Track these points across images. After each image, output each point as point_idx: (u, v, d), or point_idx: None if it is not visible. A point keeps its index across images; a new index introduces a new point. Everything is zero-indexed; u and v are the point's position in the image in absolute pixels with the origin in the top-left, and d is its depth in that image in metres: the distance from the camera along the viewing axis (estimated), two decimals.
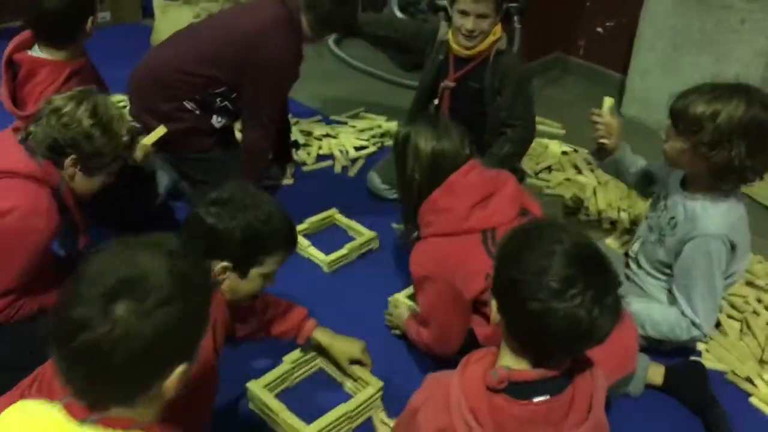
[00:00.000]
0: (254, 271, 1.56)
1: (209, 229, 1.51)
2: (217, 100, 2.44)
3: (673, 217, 1.93)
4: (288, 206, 2.57)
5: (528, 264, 1.11)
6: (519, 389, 1.14)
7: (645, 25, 3.31)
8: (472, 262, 1.71)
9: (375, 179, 2.73)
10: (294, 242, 1.63)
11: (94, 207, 1.92)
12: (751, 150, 1.72)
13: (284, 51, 2.37)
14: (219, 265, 1.52)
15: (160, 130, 2.24)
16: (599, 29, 3.80)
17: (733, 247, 1.85)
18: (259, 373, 1.89)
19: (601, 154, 2.17)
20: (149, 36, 3.92)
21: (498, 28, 2.46)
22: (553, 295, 1.07)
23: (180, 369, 1.00)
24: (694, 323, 1.89)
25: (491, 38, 2.45)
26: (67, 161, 1.71)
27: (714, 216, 1.84)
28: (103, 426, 0.97)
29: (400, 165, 1.84)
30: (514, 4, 3.67)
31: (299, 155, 3.00)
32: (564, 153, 3.13)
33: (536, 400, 1.14)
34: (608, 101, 2.11)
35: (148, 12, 4.36)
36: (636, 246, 2.11)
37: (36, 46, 2.08)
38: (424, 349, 1.94)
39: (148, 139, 2.24)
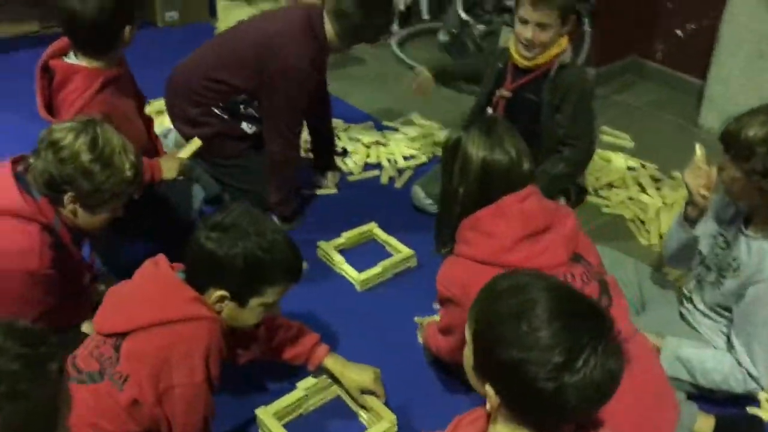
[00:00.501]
0: (254, 301, 1.49)
1: (209, 255, 1.44)
2: (241, 106, 2.41)
3: (735, 258, 1.72)
4: (327, 217, 2.51)
5: (519, 337, 0.99)
6: None
7: (726, 29, 3.03)
8: None
9: (419, 192, 2.61)
10: (298, 273, 1.54)
11: (127, 221, 1.89)
12: None
13: (299, 60, 2.29)
14: (216, 293, 1.45)
15: (195, 144, 2.21)
16: (678, 32, 3.52)
17: None
18: (272, 398, 1.81)
19: (691, 216, 1.83)
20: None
21: (564, 40, 2.30)
22: (561, 370, 0.96)
23: None
24: (751, 375, 1.68)
25: (554, 50, 2.28)
26: (66, 198, 1.63)
27: None
28: None
29: (447, 172, 1.66)
30: (583, 4, 3.47)
31: (346, 163, 2.91)
32: (630, 168, 2.91)
33: None
34: (700, 150, 1.77)
35: (215, 12, 4.38)
36: (692, 284, 1.91)
37: (72, 53, 2.07)
38: (436, 353, 1.85)
39: (184, 153, 2.21)
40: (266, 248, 1.45)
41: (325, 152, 2.77)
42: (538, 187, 1.63)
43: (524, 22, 2.24)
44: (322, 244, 2.39)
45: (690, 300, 1.90)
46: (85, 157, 1.59)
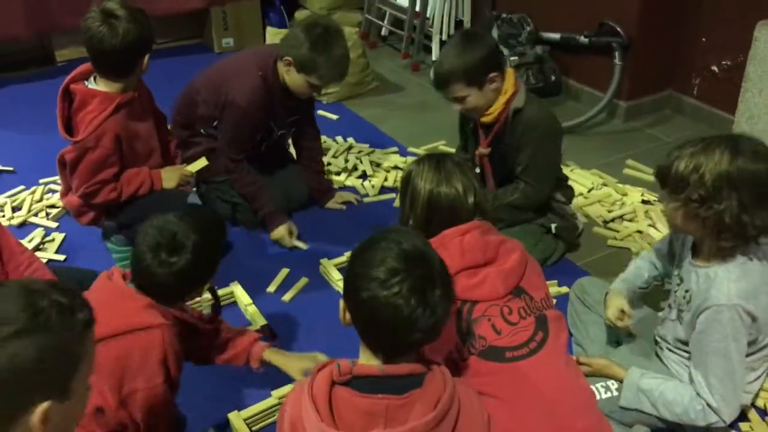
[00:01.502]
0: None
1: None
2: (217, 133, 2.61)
3: (687, 290, 1.73)
4: (335, 236, 2.64)
5: (366, 259, 1.25)
6: (363, 384, 1.25)
7: (752, 66, 2.99)
8: None
9: None
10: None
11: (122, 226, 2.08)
12: (744, 204, 1.54)
13: (242, 97, 2.46)
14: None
15: (201, 162, 2.37)
16: (714, 67, 3.48)
17: (753, 318, 1.63)
18: (248, 404, 1.92)
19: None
20: None
21: (509, 84, 2.31)
22: (378, 285, 1.22)
23: (44, 406, 1.01)
24: (710, 406, 1.68)
25: (501, 99, 2.31)
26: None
27: (724, 283, 1.63)
28: None
29: (401, 202, 1.77)
30: (617, 40, 3.50)
31: (364, 186, 3.02)
32: (645, 202, 2.90)
33: (379, 396, 1.23)
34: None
35: None
36: (659, 323, 1.92)
37: (92, 78, 2.27)
38: None
39: (192, 167, 2.38)
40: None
41: (314, 178, 2.87)
42: (489, 212, 1.70)
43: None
44: (324, 261, 2.50)
45: (661, 337, 1.91)
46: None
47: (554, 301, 1.77)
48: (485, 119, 2.36)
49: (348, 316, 1.32)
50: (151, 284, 1.56)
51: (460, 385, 1.34)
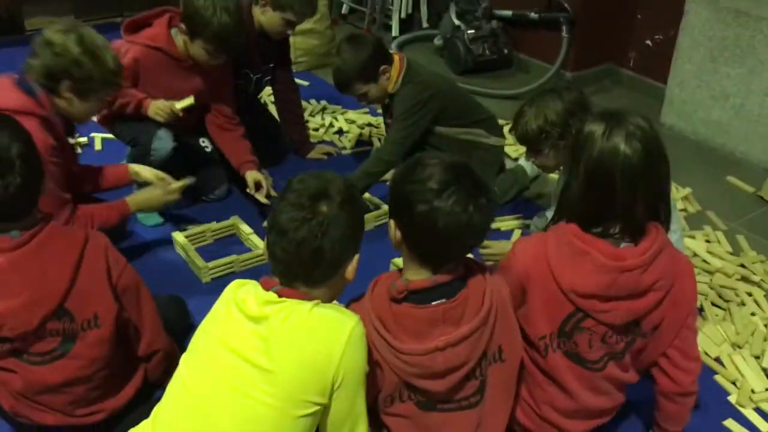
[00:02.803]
0: None
1: None
2: None
3: None
4: None
5: (415, 177, 1.36)
6: (418, 297, 1.39)
7: (684, 36, 3.41)
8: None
9: None
10: None
11: None
12: (583, 118, 1.78)
13: None
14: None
15: (189, 100, 2.50)
16: (648, 42, 3.90)
17: None
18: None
19: None
20: None
21: (395, 71, 2.62)
22: (435, 196, 1.32)
23: (356, 257, 1.38)
24: None
25: (392, 84, 2.64)
26: (63, 86, 2.01)
27: None
28: (279, 295, 1.33)
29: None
30: (564, 15, 3.87)
31: (341, 141, 3.29)
32: None
33: (434, 303, 1.37)
34: None
35: None
36: None
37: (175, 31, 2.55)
38: None
39: (179, 104, 2.51)
40: None
41: (296, 129, 3.11)
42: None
43: None
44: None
45: None
46: (76, 50, 1.97)
47: None
48: (383, 101, 2.75)
49: (398, 234, 1.41)
50: None
51: (490, 275, 1.49)
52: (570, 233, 1.52)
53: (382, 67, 2.58)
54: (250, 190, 2.63)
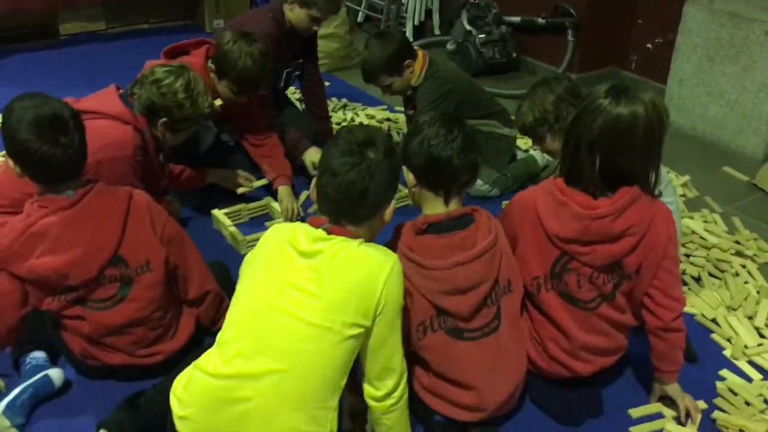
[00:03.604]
0: None
1: None
2: None
3: None
4: None
5: (419, 132, 1.73)
6: (436, 228, 1.71)
7: (682, 38, 3.65)
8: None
9: None
10: None
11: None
12: (573, 102, 2.18)
13: (259, 33, 2.77)
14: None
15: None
16: (648, 45, 4.14)
17: None
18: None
19: None
20: None
21: (418, 65, 2.84)
22: (426, 126, 1.72)
23: (393, 202, 1.61)
24: None
25: (408, 79, 2.85)
26: (160, 122, 2.24)
27: None
28: (328, 232, 1.54)
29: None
30: (570, 20, 4.12)
31: None
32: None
33: (451, 233, 1.68)
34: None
35: None
36: None
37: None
38: None
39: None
40: None
41: (322, 122, 3.32)
42: None
43: None
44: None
45: None
46: (181, 95, 2.21)
47: None
48: (407, 93, 2.96)
49: (412, 176, 1.74)
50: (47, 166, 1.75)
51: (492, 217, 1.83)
52: (554, 186, 1.81)
53: (407, 62, 2.81)
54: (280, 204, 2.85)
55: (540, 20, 4.26)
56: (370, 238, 1.63)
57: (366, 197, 1.54)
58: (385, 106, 3.84)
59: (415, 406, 1.80)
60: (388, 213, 1.61)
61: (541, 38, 4.37)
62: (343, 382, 1.54)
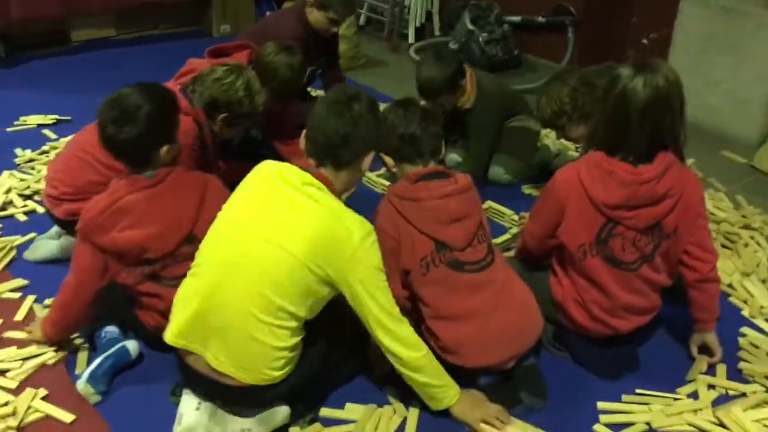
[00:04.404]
0: None
1: None
2: None
3: None
4: None
5: (386, 118, 1.99)
6: (427, 178, 1.96)
7: (678, 32, 3.87)
8: None
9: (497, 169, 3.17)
10: None
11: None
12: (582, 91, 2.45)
13: (286, 34, 3.02)
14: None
15: None
16: (644, 41, 4.36)
17: None
18: None
19: None
20: None
21: (467, 88, 2.94)
22: (402, 122, 1.97)
23: (372, 154, 1.81)
24: None
25: (465, 97, 2.96)
26: (219, 117, 2.39)
27: None
28: (312, 175, 1.72)
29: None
30: (570, 18, 4.33)
31: None
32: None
33: (437, 181, 1.95)
34: None
35: None
36: None
37: None
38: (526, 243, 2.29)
39: None
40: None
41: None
42: None
43: None
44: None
45: None
46: (242, 93, 2.37)
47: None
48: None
49: (389, 158, 2.00)
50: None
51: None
52: (599, 158, 1.96)
53: (462, 81, 2.93)
54: None
55: (540, 19, 4.46)
56: (349, 187, 1.88)
57: (348, 142, 1.75)
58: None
59: (459, 375, 1.92)
60: (367, 161, 1.82)
61: (541, 36, 4.57)
62: (303, 312, 1.72)
